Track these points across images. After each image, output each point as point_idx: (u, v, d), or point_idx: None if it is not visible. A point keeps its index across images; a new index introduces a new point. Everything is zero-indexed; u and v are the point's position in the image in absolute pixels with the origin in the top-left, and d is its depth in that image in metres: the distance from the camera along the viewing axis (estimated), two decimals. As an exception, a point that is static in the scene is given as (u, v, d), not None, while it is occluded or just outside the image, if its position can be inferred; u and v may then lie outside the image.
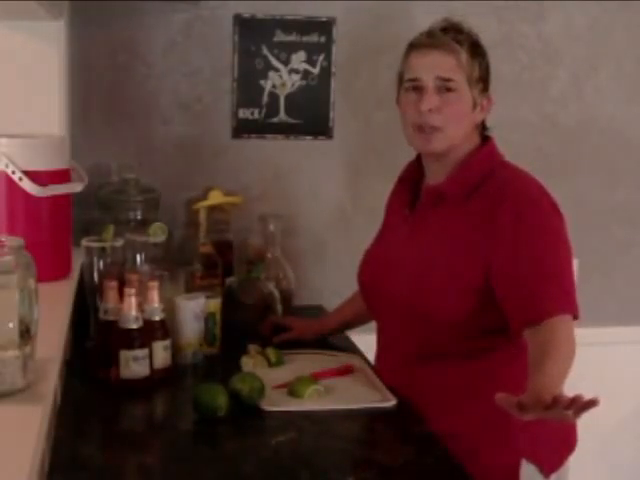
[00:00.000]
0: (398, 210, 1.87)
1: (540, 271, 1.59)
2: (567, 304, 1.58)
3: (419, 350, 1.74)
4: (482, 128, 1.77)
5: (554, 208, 1.67)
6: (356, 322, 2.09)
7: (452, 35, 1.68)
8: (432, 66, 1.67)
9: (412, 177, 1.84)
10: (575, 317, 1.58)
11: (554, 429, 1.67)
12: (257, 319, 2.07)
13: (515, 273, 1.60)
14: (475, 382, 1.69)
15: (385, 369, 1.83)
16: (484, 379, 1.69)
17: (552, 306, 1.55)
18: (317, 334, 2.06)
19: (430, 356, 1.72)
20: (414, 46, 1.72)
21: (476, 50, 1.70)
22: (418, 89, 1.69)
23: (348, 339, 2.11)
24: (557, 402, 1.31)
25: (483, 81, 1.71)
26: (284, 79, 2.42)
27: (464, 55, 1.67)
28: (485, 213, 1.65)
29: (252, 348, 1.90)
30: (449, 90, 1.67)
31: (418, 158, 1.83)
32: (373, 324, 1.97)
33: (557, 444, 1.73)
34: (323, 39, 2.42)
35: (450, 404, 1.70)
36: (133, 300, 1.67)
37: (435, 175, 1.76)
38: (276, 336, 2.01)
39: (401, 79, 1.76)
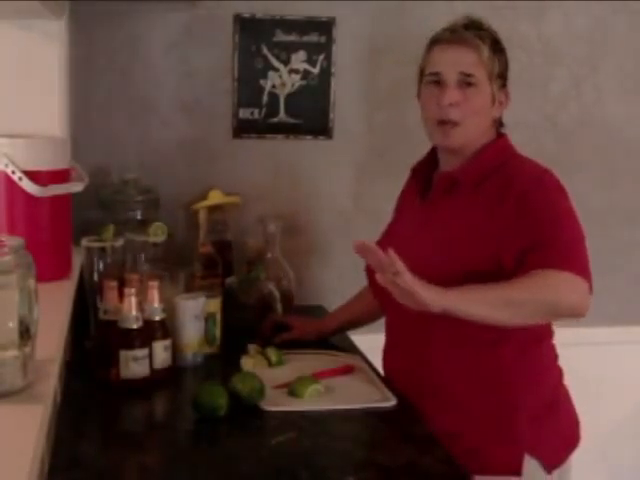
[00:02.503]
0: (410, 200, 1.90)
1: (554, 236, 1.59)
2: (580, 268, 1.56)
3: (426, 343, 1.73)
4: (499, 124, 1.80)
5: (563, 191, 1.68)
6: (357, 322, 2.09)
7: (474, 31, 1.71)
8: (454, 61, 1.70)
9: (425, 168, 1.86)
10: (590, 286, 1.56)
11: (558, 426, 1.71)
12: (257, 319, 2.07)
13: (525, 245, 1.59)
14: (481, 378, 1.69)
15: (391, 365, 1.84)
16: (489, 375, 1.69)
17: (563, 265, 1.54)
18: (318, 334, 2.06)
19: (436, 350, 1.72)
20: (437, 41, 1.74)
21: (496, 46, 1.73)
22: (439, 83, 1.71)
23: (348, 339, 2.10)
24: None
25: (502, 77, 1.74)
26: (284, 79, 2.42)
27: (485, 51, 1.70)
28: (495, 198, 1.67)
29: (252, 348, 1.90)
30: (470, 85, 1.70)
31: (433, 149, 1.85)
32: (374, 324, 1.97)
33: (560, 441, 1.74)
34: (323, 39, 2.42)
35: (456, 400, 1.70)
36: (133, 300, 1.67)
37: (449, 165, 1.78)
38: (277, 336, 2.01)
39: (422, 73, 1.78)
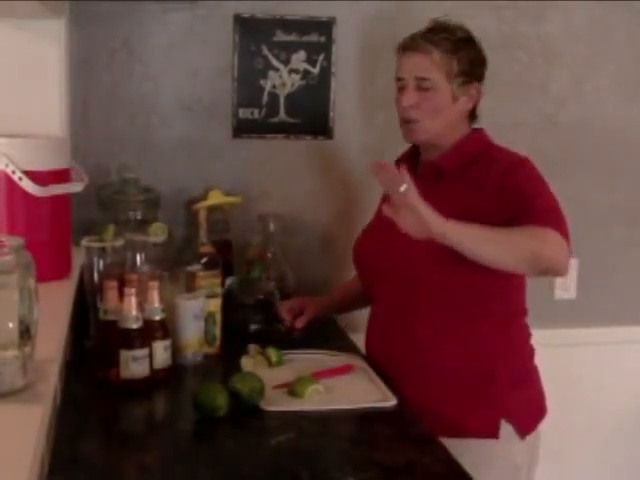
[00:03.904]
0: None
1: (537, 204, 1.70)
2: (563, 231, 1.67)
3: (409, 316, 1.82)
4: (472, 117, 1.91)
5: (540, 173, 1.80)
6: (354, 300, 2.15)
7: (429, 37, 1.83)
8: (411, 67, 1.86)
9: (409, 159, 1.94)
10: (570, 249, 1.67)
11: (530, 396, 1.86)
12: (257, 319, 2.06)
13: (508, 217, 1.69)
14: (461, 349, 1.79)
15: (375, 346, 1.92)
16: (470, 346, 1.79)
17: (548, 225, 1.65)
18: (326, 308, 2.15)
19: (420, 322, 1.81)
20: (399, 49, 1.91)
21: (457, 46, 1.83)
22: (403, 87, 1.87)
23: (348, 339, 2.11)
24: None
25: (465, 74, 1.84)
26: (284, 79, 2.42)
27: (437, 54, 1.81)
28: (480, 181, 1.79)
29: (252, 348, 1.90)
30: (426, 88, 1.83)
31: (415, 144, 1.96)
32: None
33: (532, 410, 1.87)
34: (323, 39, 2.42)
35: (436, 369, 1.80)
36: (133, 300, 1.67)
37: (430, 157, 1.90)
38: (298, 321, 2.07)
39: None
